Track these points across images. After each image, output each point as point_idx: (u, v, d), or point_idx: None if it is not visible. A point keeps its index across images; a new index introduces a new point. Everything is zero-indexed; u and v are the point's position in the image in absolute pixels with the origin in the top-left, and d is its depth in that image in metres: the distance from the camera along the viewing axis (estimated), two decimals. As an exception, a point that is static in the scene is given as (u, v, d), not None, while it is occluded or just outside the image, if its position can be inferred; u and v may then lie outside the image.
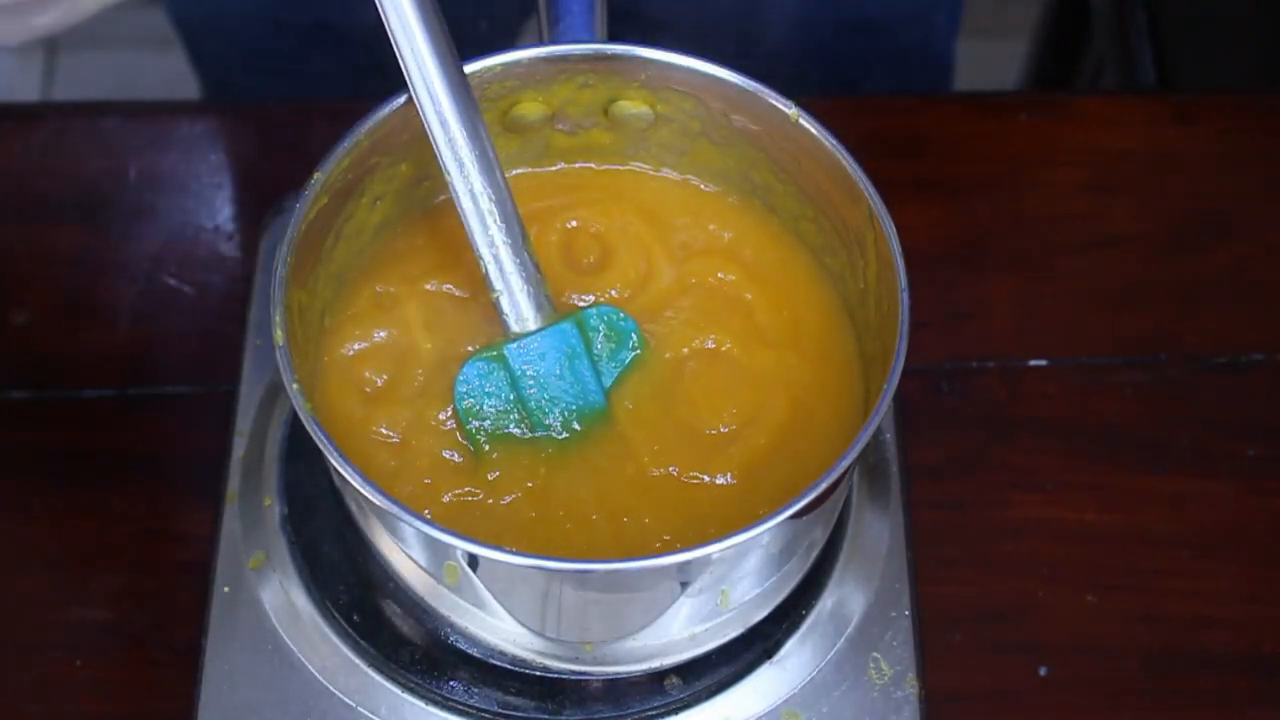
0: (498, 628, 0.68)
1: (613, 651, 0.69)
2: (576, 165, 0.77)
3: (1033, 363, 0.89)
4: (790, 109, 0.70)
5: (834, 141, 0.70)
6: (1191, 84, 1.29)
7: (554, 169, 0.77)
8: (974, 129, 0.97)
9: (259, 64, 1.18)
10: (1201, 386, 0.88)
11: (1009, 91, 1.62)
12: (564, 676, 0.71)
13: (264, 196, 0.86)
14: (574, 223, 0.75)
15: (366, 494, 0.61)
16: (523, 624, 0.68)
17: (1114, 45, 1.36)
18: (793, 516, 0.62)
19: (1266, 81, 1.30)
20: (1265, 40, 1.32)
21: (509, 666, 0.70)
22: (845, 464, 0.63)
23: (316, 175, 0.68)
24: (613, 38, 0.73)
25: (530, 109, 0.73)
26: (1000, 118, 0.98)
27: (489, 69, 0.70)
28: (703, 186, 0.77)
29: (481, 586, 0.66)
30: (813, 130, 0.70)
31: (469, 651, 0.71)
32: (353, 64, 1.08)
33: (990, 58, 1.71)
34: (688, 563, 0.63)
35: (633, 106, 0.74)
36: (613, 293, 0.73)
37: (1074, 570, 0.83)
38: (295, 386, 0.63)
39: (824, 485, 0.62)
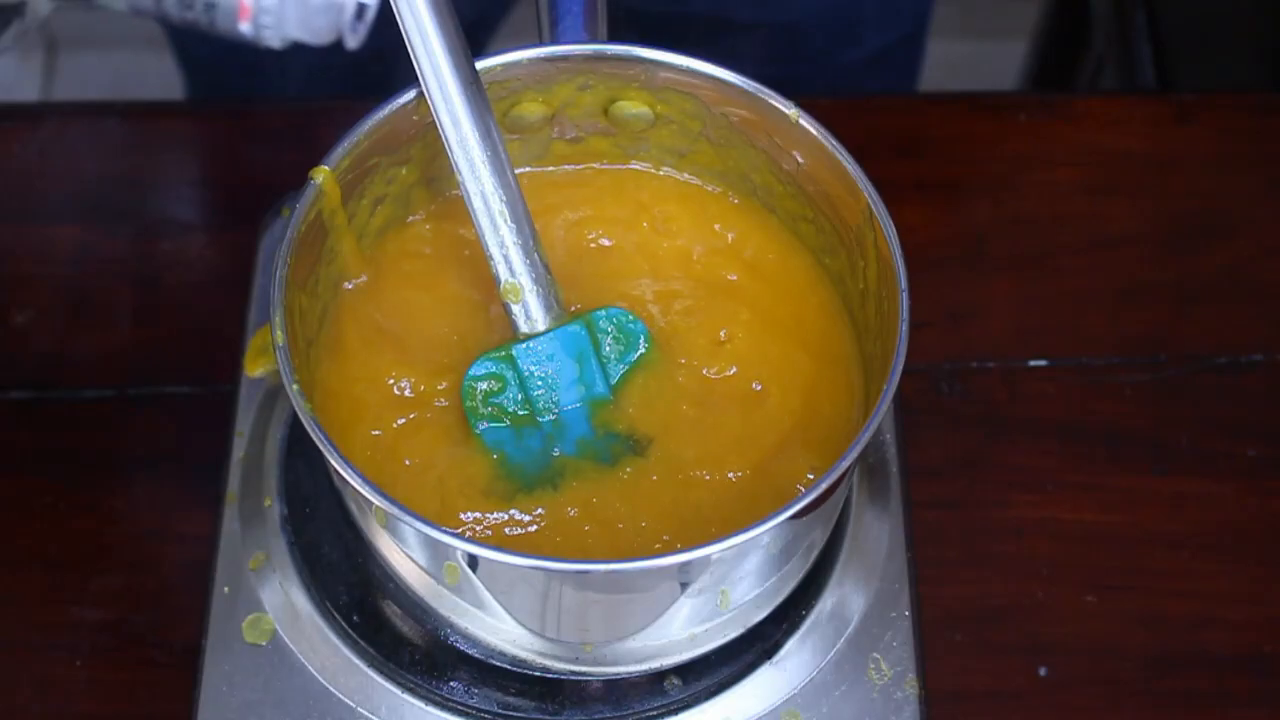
0: (498, 628, 0.68)
1: (613, 652, 0.69)
2: (578, 166, 0.77)
3: (1033, 363, 0.89)
4: (790, 109, 0.70)
5: (834, 142, 0.70)
6: (1191, 84, 1.29)
7: (555, 169, 0.77)
8: (974, 129, 0.97)
9: (246, 70, 1.17)
10: (1201, 386, 0.88)
11: (1009, 91, 1.62)
12: (564, 677, 0.71)
13: (264, 196, 0.85)
14: (576, 221, 0.75)
15: (366, 494, 0.61)
16: (523, 624, 0.68)
17: (1114, 45, 1.36)
18: (793, 517, 0.62)
19: (1266, 81, 1.30)
20: (1265, 40, 1.32)
21: (509, 667, 0.70)
22: (845, 464, 0.63)
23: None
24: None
25: (530, 109, 0.73)
26: (1000, 118, 0.98)
27: (489, 69, 0.70)
28: (703, 187, 0.77)
29: (481, 587, 0.66)
30: (813, 130, 0.70)
31: (469, 652, 0.71)
32: (339, 71, 1.07)
33: (990, 58, 1.71)
34: (688, 563, 0.63)
35: (633, 107, 0.74)
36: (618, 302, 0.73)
37: (1074, 570, 0.83)
38: (295, 387, 0.63)
39: (824, 485, 0.62)
